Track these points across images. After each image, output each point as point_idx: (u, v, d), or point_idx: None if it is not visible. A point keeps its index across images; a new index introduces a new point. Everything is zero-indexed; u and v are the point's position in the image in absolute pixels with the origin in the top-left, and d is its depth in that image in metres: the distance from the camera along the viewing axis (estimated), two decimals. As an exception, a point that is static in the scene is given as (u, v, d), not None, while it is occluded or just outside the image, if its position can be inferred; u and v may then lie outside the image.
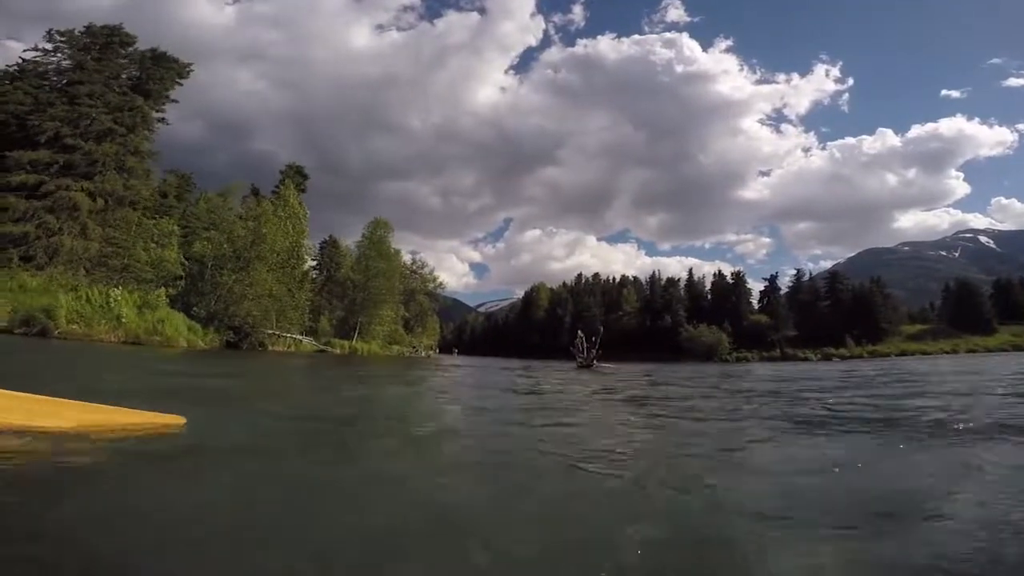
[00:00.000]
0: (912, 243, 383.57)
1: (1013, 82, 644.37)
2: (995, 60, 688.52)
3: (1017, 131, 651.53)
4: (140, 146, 28.04)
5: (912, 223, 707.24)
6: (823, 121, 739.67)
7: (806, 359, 62.49)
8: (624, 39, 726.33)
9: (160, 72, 30.16)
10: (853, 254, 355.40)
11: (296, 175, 42.43)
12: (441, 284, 72.28)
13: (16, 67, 27.22)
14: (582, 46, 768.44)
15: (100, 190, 25.78)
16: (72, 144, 25.12)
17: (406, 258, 65.83)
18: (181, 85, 32.13)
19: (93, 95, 26.50)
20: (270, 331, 28.05)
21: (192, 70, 31.78)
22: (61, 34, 29.51)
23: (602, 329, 30.52)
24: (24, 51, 28.46)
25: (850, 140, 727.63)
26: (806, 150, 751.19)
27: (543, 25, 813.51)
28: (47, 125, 24.51)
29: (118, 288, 18.95)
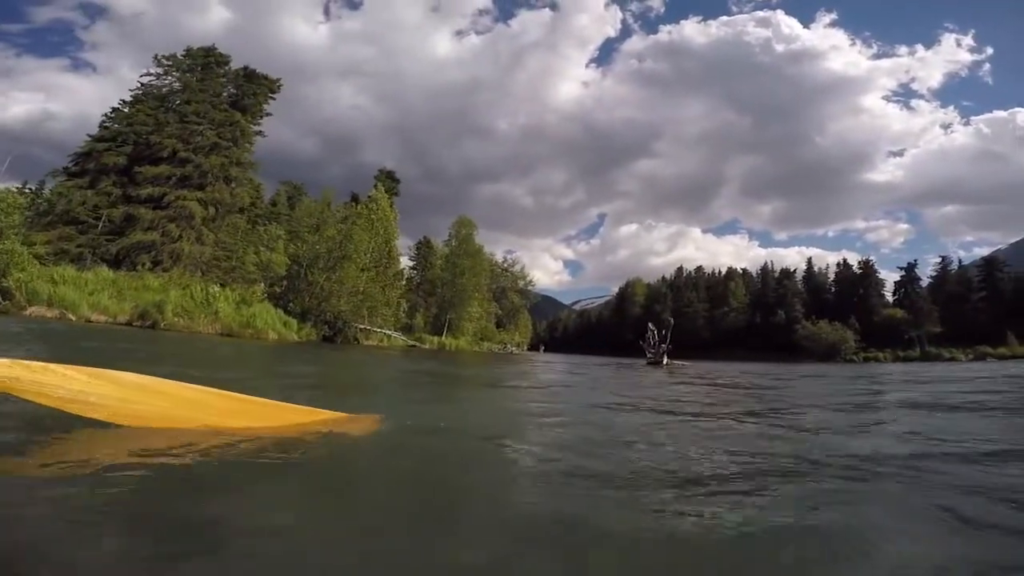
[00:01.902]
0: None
1: None
2: None
3: None
4: (241, 157, 30.40)
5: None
6: (963, 95, 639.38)
7: (953, 359, 53.50)
8: (711, 21, 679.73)
9: (253, 88, 32.55)
10: (1017, 239, 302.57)
11: (387, 179, 44.12)
12: (532, 282, 72.42)
13: (138, 91, 30.68)
14: (666, 32, 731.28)
15: (211, 199, 28.30)
16: (186, 158, 27.79)
17: (497, 256, 66.91)
18: (274, 99, 34.48)
19: (199, 113, 29.20)
20: (362, 326, 29.11)
21: (281, 85, 34.16)
22: (166, 58, 32.65)
23: (672, 321, 27.27)
24: (140, 76, 31.98)
25: (1000, 114, 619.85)
26: (946, 127, 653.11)
27: (619, 15, 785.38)
28: (166, 143, 27.35)
29: (217, 286, 20.34)
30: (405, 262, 56.28)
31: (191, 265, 26.83)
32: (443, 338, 39.58)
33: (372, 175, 47.33)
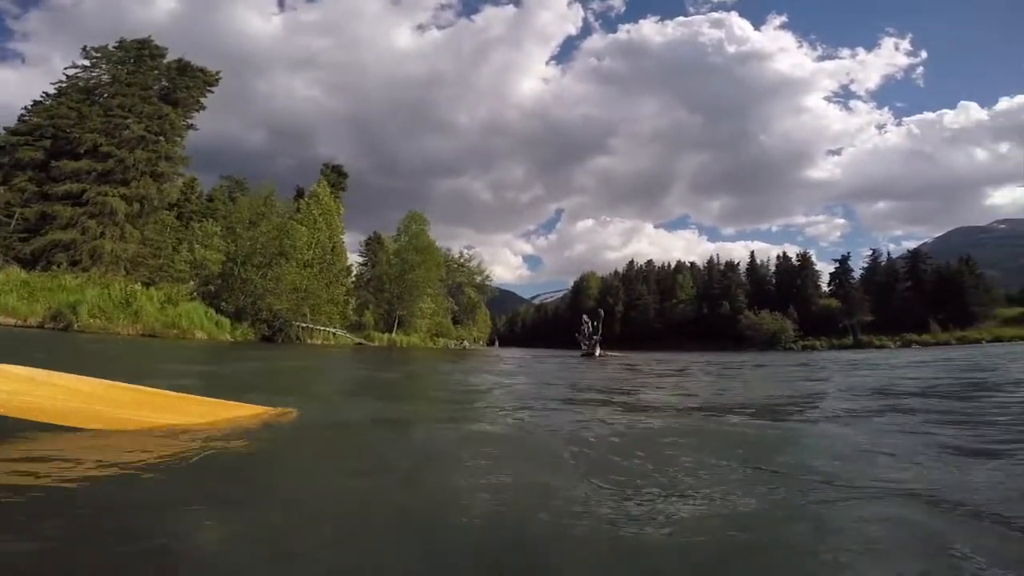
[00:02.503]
0: (1009, 220, 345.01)
1: None
2: None
3: None
4: (171, 152, 28.92)
5: (1008, 200, 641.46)
6: (897, 96, 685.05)
7: (883, 346, 56.96)
8: (668, 22, 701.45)
9: (186, 81, 31.08)
10: (941, 234, 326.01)
11: (334, 174, 42.98)
12: (489, 277, 72.26)
13: (62, 83, 28.70)
14: (624, 32, 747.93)
15: (135, 195, 26.79)
16: (108, 152, 26.18)
17: (454, 252, 66.48)
18: (212, 92, 32.99)
19: (125, 106, 27.61)
20: (304, 325, 28.30)
21: (220, 78, 32.72)
22: (96, 50, 30.86)
23: (602, 313, 27.43)
24: (65, 68, 30.06)
25: (929, 115, 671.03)
26: (880, 127, 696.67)
27: (581, 13, 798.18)
28: (87, 137, 25.66)
29: (138, 285, 19.35)
30: (355, 259, 55.43)
31: (113, 264, 25.35)
32: (393, 335, 38.97)
33: (330, 168, 46.10)
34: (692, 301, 77.82)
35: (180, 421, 2.86)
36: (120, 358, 9.70)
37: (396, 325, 40.47)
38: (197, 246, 28.81)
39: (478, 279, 68.62)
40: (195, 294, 23.32)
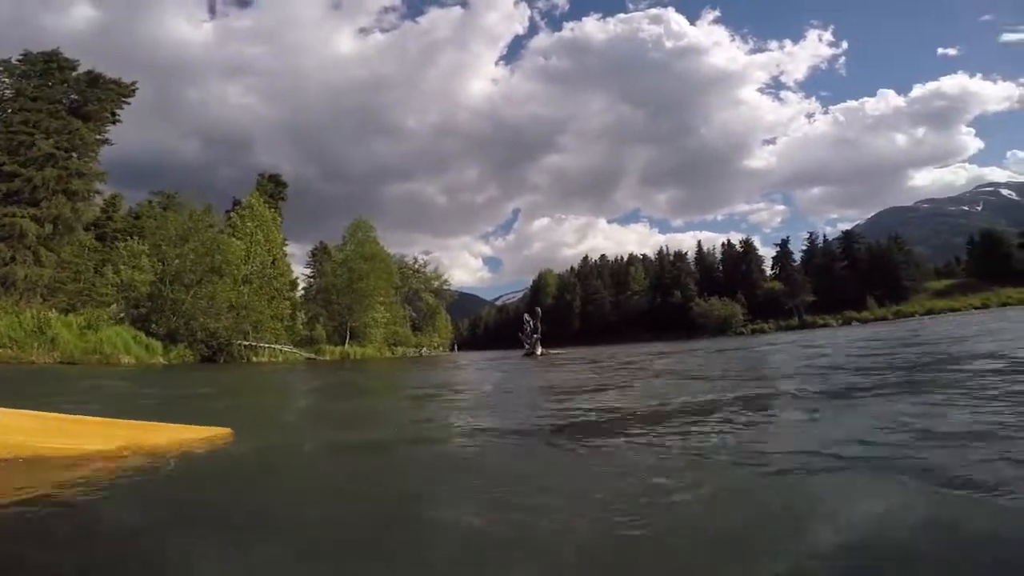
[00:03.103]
0: (932, 200, 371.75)
1: (1008, 37, 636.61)
2: (986, 17, 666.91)
3: (1022, 85, 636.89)
4: (84, 168, 26.97)
5: (929, 180, 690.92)
6: (822, 86, 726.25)
7: (826, 325, 59.74)
8: (609, 19, 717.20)
9: (98, 94, 29.07)
10: (872, 215, 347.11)
11: (271, 183, 41.27)
12: (447, 281, 71.67)
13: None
14: (569, 30, 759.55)
15: (47, 215, 24.82)
16: (13, 172, 24.17)
17: (408, 258, 65.51)
18: (129, 104, 31.06)
19: (29, 122, 25.57)
20: (246, 343, 26.98)
21: (136, 89, 30.67)
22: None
23: (539, 311, 27.13)
24: None
25: (852, 103, 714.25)
26: (809, 116, 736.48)
27: (528, 12, 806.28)
28: (-15, 156, 23.59)
29: (56, 312, 17.89)
30: (303, 271, 53.59)
31: (29, 290, 23.35)
32: (345, 347, 37.79)
33: (267, 178, 44.18)
34: (645, 292, 79.39)
35: (100, 447, 2.73)
36: (32, 384, 9.28)
37: (348, 337, 39.27)
38: (123, 267, 27.00)
39: (435, 284, 68.02)
40: (120, 317, 21.79)
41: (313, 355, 33.41)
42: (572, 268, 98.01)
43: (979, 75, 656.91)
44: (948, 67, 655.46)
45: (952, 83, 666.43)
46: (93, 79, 30.02)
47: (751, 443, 3.12)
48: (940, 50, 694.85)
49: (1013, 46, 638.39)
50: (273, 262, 32.29)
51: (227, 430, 3.45)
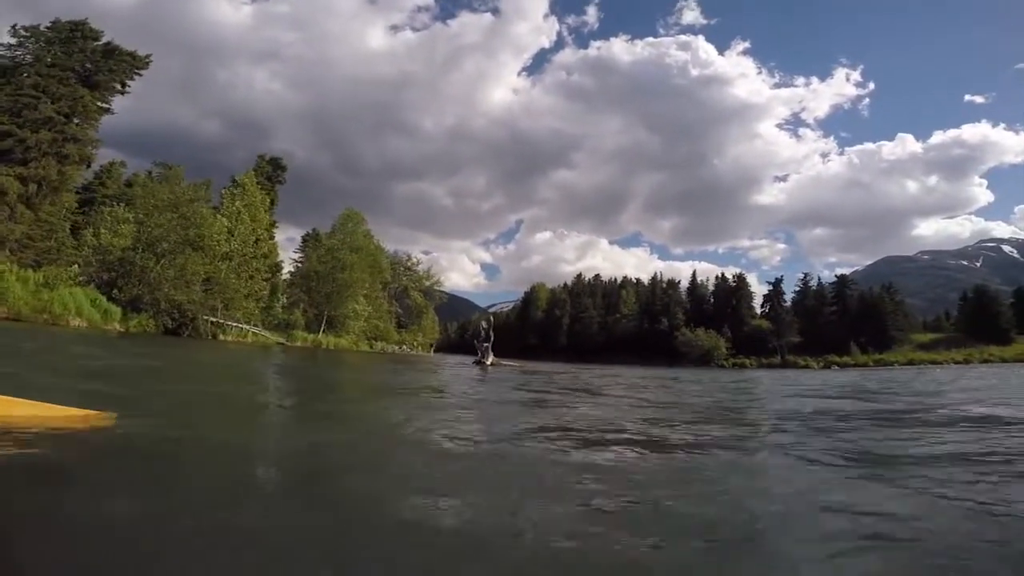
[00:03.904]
0: (932, 252, 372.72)
1: None
2: (1020, 65, 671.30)
3: None
4: (81, 134, 27.35)
5: (932, 231, 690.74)
6: (842, 126, 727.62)
7: (807, 367, 59.72)
8: (638, 41, 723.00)
9: (110, 65, 30.00)
10: (871, 262, 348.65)
11: (270, 166, 41.43)
12: (439, 282, 71.54)
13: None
14: (595, 48, 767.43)
15: (33, 175, 25.08)
16: (7, 131, 24.55)
17: (400, 254, 65.54)
18: (141, 76, 31.77)
19: (39, 87, 26.35)
20: (213, 320, 26.85)
21: (150, 62, 31.64)
22: (26, 29, 29.64)
23: (491, 319, 26.90)
24: None
25: (869, 146, 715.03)
26: (824, 155, 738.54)
27: (557, 26, 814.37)
28: (-13, 115, 24.07)
29: (12, 266, 17.83)
30: (293, 256, 53.61)
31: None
32: (319, 336, 37.60)
33: (267, 160, 44.50)
34: (634, 316, 79.28)
35: None
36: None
37: (324, 325, 39.11)
38: (104, 231, 27.01)
39: (426, 284, 67.85)
40: (84, 279, 21.73)
41: (284, 340, 33.27)
42: (565, 284, 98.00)
43: (1003, 125, 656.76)
44: (973, 115, 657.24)
45: (974, 131, 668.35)
46: (109, 50, 30.76)
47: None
48: (968, 96, 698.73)
49: None
50: (256, 242, 32.33)
51: (108, 414, 3.24)
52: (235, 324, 28.58)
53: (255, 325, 31.38)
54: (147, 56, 32.76)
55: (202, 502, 2.17)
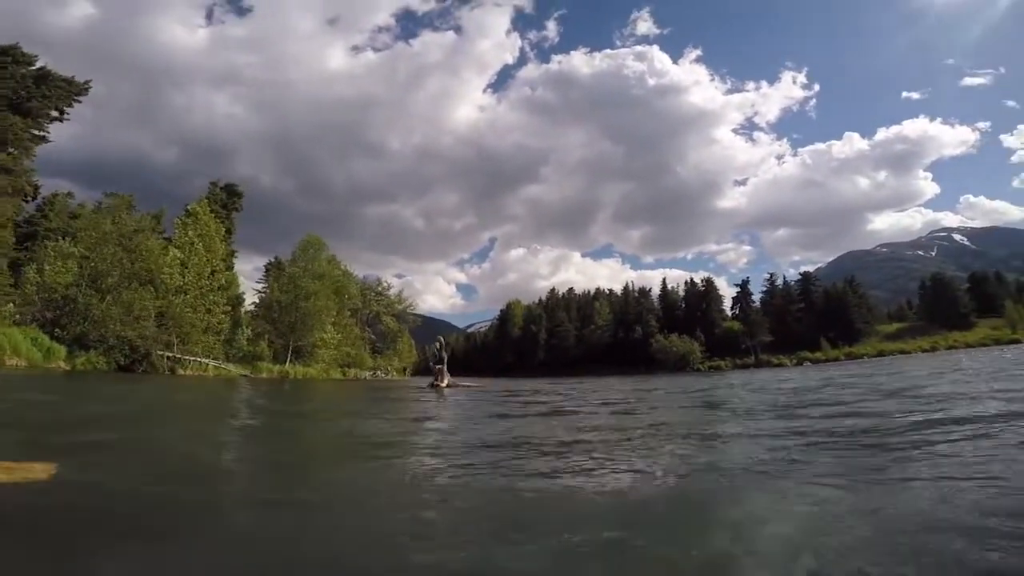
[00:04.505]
0: (890, 244, 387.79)
1: (968, 82, 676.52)
2: (949, 61, 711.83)
3: (977, 129, 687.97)
4: (11, 164, 26.04)
5: (886, 225, 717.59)
6: (793, 128, 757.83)
7: (780, 364, 60.53)
8: (596, 53, 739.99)
9: (43, 91, 28.72)
10: (833, 258, 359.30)
11: (224, 193, 40.28)
12: (411, 305, 70.79)
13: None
14: (557, 62, 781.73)
15: (-41, 209, 23.64)
16: (-69, 164, 23.20)
17: (369, 279, 64.68)
18: (80, 103, 30.61)
19: None
20: (169, 355, 25.61)
21: (89, 87, 30.37)
22: None
23: (442, 339, 26.19)
24: None
25: (820, 146, 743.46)
26: (779, 157, 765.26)
27: (519, 42, 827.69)
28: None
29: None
30: (253, 286, 52.03)
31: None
32: (286, 366, 36.30)
33: (244, 187, 43.35)
34: (609, 327, 79.49)
35: None
36: None
37: (290, 356, 37.80)
38: (48, 267, 25.60)
39: (398, 308, 66.97)
40: (22, 318, 20.47)
41: (248, 372, 32.00)
42: (540, 300, 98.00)
43: (939, 119, 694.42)
44: (911, 111, 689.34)
45: (913, 127, 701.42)
46: (41, 76, 29.53)
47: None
48: (904, 93, 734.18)
49: (972, 91, 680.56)
50: (212, 273, 31.17)
51: (48, 465, 3.08)
52: (194, 359, 27.35)
53: (215, 359, 30.10)
54: (86, 82, 31.66)
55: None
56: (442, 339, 25.28)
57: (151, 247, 26.20)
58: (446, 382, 21.39)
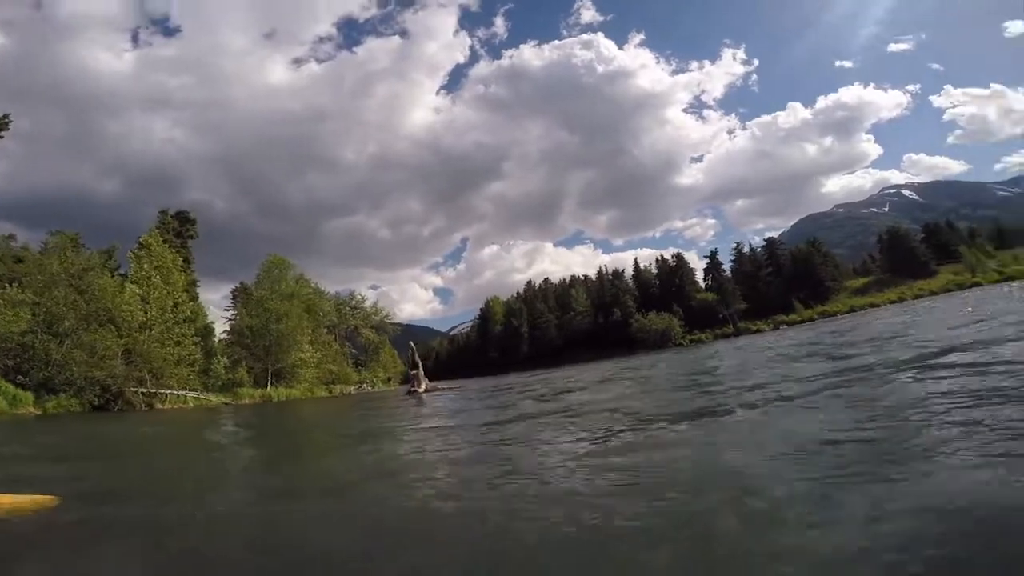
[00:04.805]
0: (845, 204, 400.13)
1: (893, 48, 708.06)
2: (872, 29, 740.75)
3: (908, 92, 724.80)
4: None
5: (839, 187, 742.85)
6: (739, 103, 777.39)
7: (759, 330, 61.78)
8: (545, 45, 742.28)
9: None
10: (794, 222, 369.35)
11: (175, 221, 38.73)
12: (388, 315, 70.35)
13: None
14: (508, 57, 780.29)
15: None
16: None
17: (342, 294, 63.97)
18: (1, 138, 29.11)
19: None
20: (142, 390, 24.64)
21: (10, 121, 28.72)
22: None
23: (413, 346, 25.94)
24: None
25: (766, 118, 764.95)
26: (730, 132, 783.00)
27: (468, 41, 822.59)
28: None
29: None
30: (222, 313, 50.55)
31: None
32: (267, 390, 35.31)
33: (199, 213, 41.74)
34: (587, 312, 79.88)
35: None
36: None
37: (270, 379, 36.77)
38: (-1, 315, 24.17)
39: (376, 319, 66.44)
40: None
41: (229, 400, 31.05)
42: (518, 293, 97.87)
43: (872, 85, 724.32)
44: (845, 79, 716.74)
45: (850, 94, 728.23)
46: None
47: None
48: (837, 63, 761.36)
49: (898, 56, 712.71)
50: (175, 305, 29.94)
51: (51, 498, 3.28)
52: (170, 392, 26.44)
53: (193, 390, 29.06)
54: (6, 116, 30.19)
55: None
56: (413, 345, 24.94)
57: (103, 285, 24.98)
58: (424, 387, 20.91)
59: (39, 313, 22.08)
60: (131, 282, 28.39)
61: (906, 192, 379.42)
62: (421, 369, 21.89)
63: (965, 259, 67.13)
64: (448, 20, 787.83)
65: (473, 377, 63.71)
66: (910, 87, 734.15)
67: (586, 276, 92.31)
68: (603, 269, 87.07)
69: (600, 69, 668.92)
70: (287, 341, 37.58)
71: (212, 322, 40.85)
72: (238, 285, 48.95)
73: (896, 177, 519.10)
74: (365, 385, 52.32)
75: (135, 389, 24.65)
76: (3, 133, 28.00)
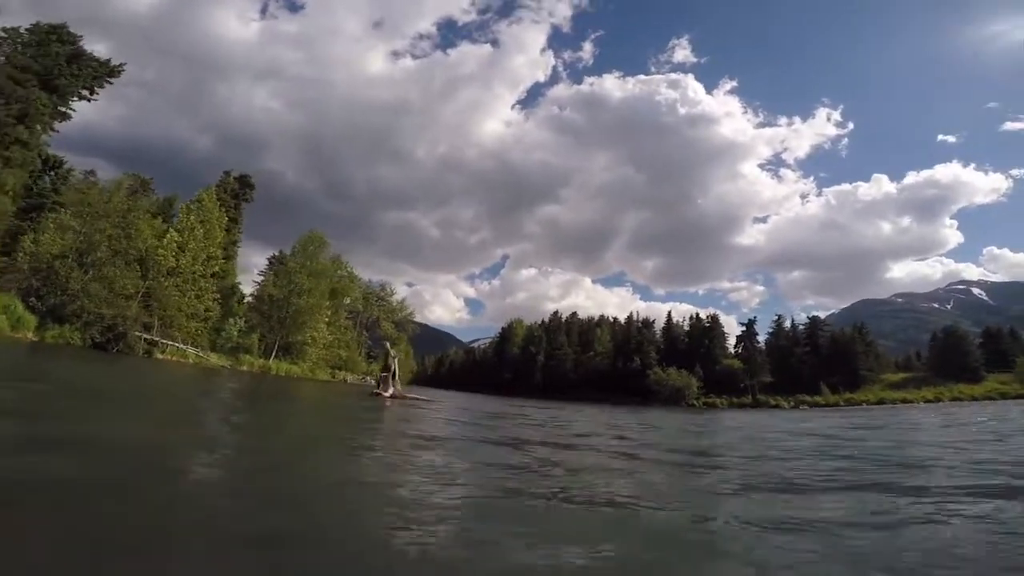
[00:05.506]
0: (905, 294, 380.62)
1: (1009, 127, 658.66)
2: (991, 104, 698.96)
3: (1012, 177, 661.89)
4: (27, 137, 26.99)
5: (905, 273, 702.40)
6: (821, 166, 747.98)
7: (777, 406, 59.22)
8: (630, 78, 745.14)
9: (73, 70, 30.08)
10: (847, 305, 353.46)
11: (236, 183, 40.73)
12: (411, 313, 70.54)
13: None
14: (589, 84, 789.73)
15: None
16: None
17: (374, 284, 64.92)
18: (111, 84, 31.90)
19: None
20: (147, 336, 25.56)
21: (122, 70, 31.79)
22: (5, 30, 29.82)
23: (388, 346, 25.43)
24: None
25: (846, 186, 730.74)
26: (803, 196, 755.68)
27: (552, 61, 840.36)
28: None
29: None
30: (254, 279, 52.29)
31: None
32: (270, 361, 36.07)
33: (269, 183, 44.52)
34: (608, 355, 78.54)
35: None
36: None
37: (276, 350, 37.55)
38: (44, 237, 25.89)
39: (399, 315, 66.74)
40: (6, 284, 20.63)
41: (229, 364, 31.83)
42: (542, 321, 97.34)
43: (972, 164, 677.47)
44: (945, 155, 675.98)
45: (945, 171, 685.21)
46: (75, 55, 30.67)
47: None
48: (940, 136, 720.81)
49: (1012, 135, 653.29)
50: (208, 259, 31.34)
51: None
52: (172, 344, 27.28)
53: (198, 347, 30.01)
54: (120, 65, 32.87)
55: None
56: (388, 347, 24.53)
57: (142, 226, 26.39)
58: (390, 392, 20.34)
59: (77, 241, 23.43)
60: (175, 229, 30.00)
61: (975, 291, 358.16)
62: (393, 374, 21.29)
63: (1019, 368, 62.04)
64: (539, 37, 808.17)
65: (481, 394, 63.39)
66: (1014, 171, 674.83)
67: (615, 318, 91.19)
68: (634, 315, 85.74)
69: (683, 111, 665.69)
70: (303, 317, 38.45)
71: (239, 283, 42.47)
72: (276, 253, 50.62)
73: (970, 272, 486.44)
74: (368, 378, 52.62)
75: (139, 334, 25.55)
76: (113, 79, 30.62)
